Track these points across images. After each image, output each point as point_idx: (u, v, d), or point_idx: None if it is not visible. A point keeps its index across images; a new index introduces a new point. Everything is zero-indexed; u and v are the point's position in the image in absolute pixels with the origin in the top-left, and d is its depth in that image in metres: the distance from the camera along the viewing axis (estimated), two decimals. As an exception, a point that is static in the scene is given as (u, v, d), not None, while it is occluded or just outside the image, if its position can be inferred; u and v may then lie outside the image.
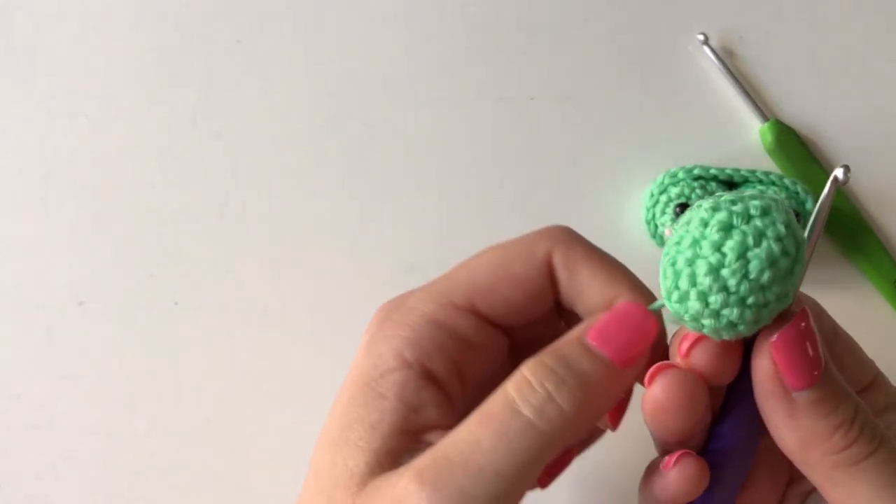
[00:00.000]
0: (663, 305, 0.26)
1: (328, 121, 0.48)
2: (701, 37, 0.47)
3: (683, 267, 0.24)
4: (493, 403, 0.25)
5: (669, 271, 0.25)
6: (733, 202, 0.24)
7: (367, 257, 0.46)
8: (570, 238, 0.29)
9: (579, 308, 0.29)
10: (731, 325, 0.24)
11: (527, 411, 0.24)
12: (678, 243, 0.25)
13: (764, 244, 0.23)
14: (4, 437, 0.43)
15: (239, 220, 0.46)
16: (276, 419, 0.44)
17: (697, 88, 0.49)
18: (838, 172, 0.26)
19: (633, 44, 0.49)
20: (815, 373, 0.25)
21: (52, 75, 0.48)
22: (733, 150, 0.48)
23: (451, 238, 0.46)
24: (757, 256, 0.23)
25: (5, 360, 0.44)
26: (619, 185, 0.47)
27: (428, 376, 0.27)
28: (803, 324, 0.25)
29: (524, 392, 0.25)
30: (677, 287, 0.24)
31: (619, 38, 0.49)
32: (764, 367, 0.25)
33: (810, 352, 0.25)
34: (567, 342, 0.26)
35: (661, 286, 0.26)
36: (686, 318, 0.25)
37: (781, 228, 0.23)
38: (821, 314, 0.28)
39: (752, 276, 0.23)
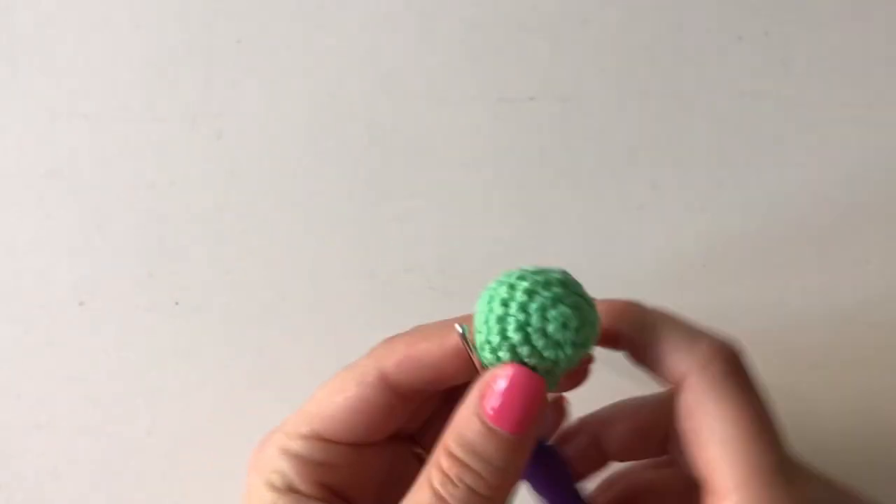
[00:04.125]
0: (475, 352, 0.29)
1: (328, 121, 0.48)
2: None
3: (494, 324, 0.28)
4: (419, 495, 0.27)
5: (483, 328, 0.29)
6: (536, 273, 0.30)
7: (367, 257, 0.46)
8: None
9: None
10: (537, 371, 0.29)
11: (449, 500, 0.27)
12: (490, 302, 0.29)
13: (560, 307, 0.29)
14: (4, 437, 0.43)
15: (239, 219, 0.46)
16: (276, 419, 0.43)
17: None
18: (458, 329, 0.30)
19: (633, 44, 0.49)
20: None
21: (52, 75, 0.48)
22: (733, 150, 0.48)
23: (450, 238, 0.46)
24: (554, 318, 0.28)
25: (5, 360, 0.44)
26: (618, 185, 0.47)
27: (303, 497, 0.30)
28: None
29: (448, 489, 0.27)
30: (489, 341, 0.29)
31: (619, 38, 0.49)
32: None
33: None
34: (466, 423, 0.27)
35: (475, 338, 0.29)
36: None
37: (574, 296, 0.29)
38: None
39: (549, 332, 0.28)
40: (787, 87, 0.49)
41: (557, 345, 0.28)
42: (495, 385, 0.27)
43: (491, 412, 0.27)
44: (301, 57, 0.49)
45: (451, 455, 0.27)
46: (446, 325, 0.30)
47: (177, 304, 0.45)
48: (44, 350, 0.44)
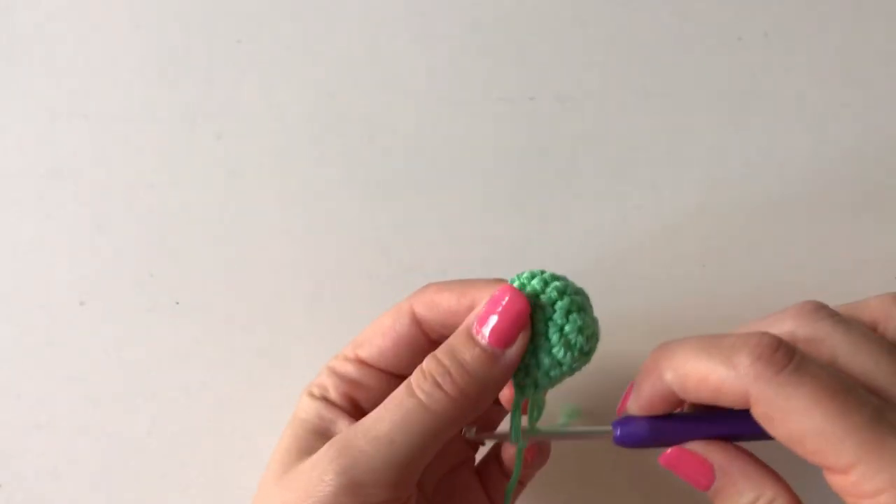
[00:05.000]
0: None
1: (328, 121, 0.48)
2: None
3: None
4: (397, 390, 0.32)
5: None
6: (558, 277, 0.34)
7: (367, 257, 0.46)
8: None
9: None
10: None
11: (419, 394, 0.31)
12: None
13: (582, 313, 0.33)
14: (4, 437, 0.43)
15: (239, 220, 0.46)
16: (276, 419, 0.44)
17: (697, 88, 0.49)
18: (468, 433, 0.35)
19: (633, 44, 0.49)
20: (702, 482, 0.31)
21: (52, 75, 0.48)
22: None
23: (450, 238, 0.46)
24: (573, 321, 0.33)
25: (5, 360, 0.44)
26: (618, 185, 0.47)
27: (332, 404, 0.36)
28: (673, 460, 0.32)
29: (419, 379, 0.31)
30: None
31: (619, 38, 0.49)
32: None
33: (690, 473, 0.31)
34: (456, 334, 0.32)
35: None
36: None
37: (590, 307, 0.34)
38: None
39: (566, 331, 0.33)
40: (787, 87, 0.49)
41: (569, 346, 0.32)
42: (488, 301, 0.32)
43: (477, 322, 0.32)
44: (301, 57, 0.49)
45: (434, 356, 0.32)
46: (474, 282, 0.34)
47: (177, 304, 0.45)
48: (44, 350, 0.44)
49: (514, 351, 0.31)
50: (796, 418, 0.27)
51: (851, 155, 0.48)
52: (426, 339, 0.35)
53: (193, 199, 0.47)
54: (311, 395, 0.36)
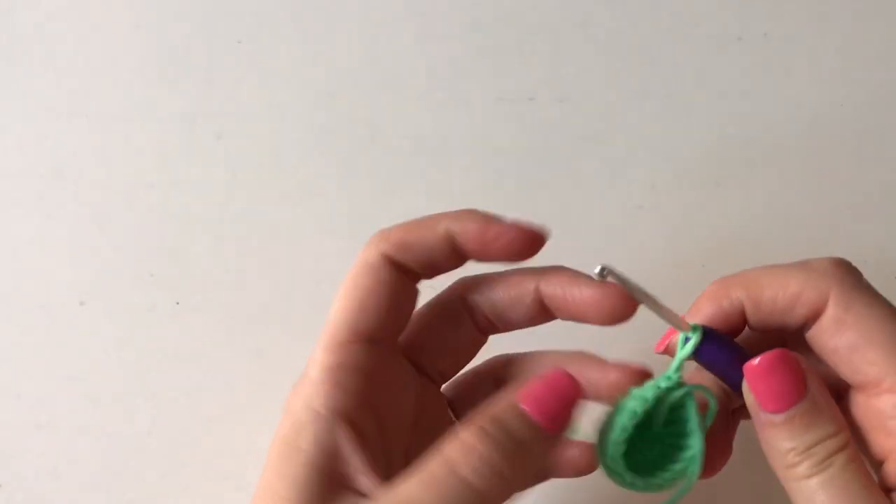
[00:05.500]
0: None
1: (328, 121, 0.48)
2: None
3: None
4: (434, 464, 0.27)
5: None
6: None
7: (368, 257, 0.46)
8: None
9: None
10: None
11: (465, 472, 0.26)
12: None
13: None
14: (4, 437, 0.43)
15: (239, 220, 0.46)
16: (276, 419, 0.43)
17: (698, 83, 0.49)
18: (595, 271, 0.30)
19: (633, 44, 0.49)
20: (780, 404, 0.28)
21: (52, 75, 0.48)
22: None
23: (451, 238, 0.46)
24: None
25: (5, 360, 0.44)
26: (618, 185, 0.47)
27: (342, 421, 0.29)
28: (775, 362, 0.28)
29: (463, 453, 0.26)
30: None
31: (619, 38, 0.49)
32: (744, 387, 0.29)
33: (779, 385, 0.28)
34: (503, 408, 0.28)
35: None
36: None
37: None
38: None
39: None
40: (787, 87, 0.49)
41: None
42: (538, 381, 0.28)
43: (528, 400, 0.28)
44: (301, 57, 0.49)
45: (481, 430, 0.27)
46: (435, 217, 0.32)
47: (177, 304, 0.45)
48: (44, 350, 0.44)
49: (566, 431, 0.29)
50: (870, 324, 0.28)
51: (851, 154, 0.48)
52: (402, 280, 0.31)
53: (193, 199, 0.47)
54: (312, 409, 0.29)
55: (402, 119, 0.48)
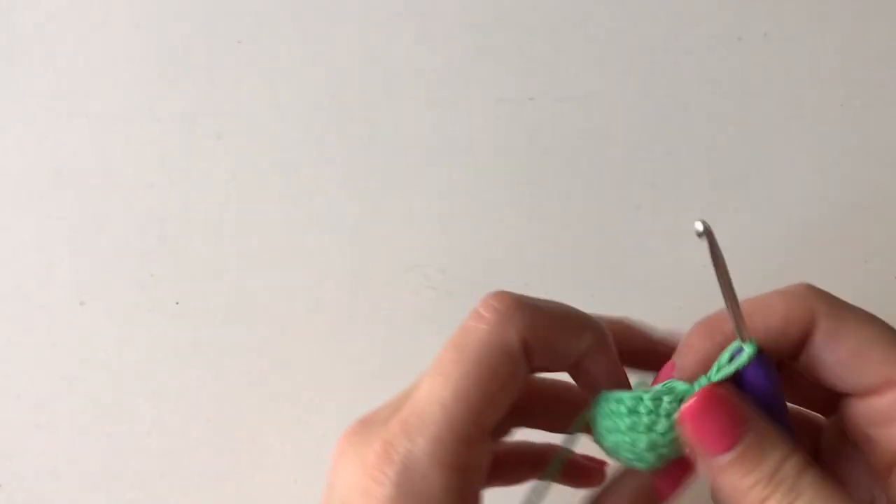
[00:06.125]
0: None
1: (328, 121, 0.48)
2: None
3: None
4: None
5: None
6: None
7: (367, 257, 0.46)
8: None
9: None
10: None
11: None
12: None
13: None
14: (4, 437, 0.43)
15: (239, 219, 0.46)
16: (276, 419, 0.44)
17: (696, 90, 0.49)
18: (699, 228, 0.28)
19: (633, 44, 0.49)
20: (725, 442, 0.27)
21: (52, 75, 0.48)
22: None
23: (450, 238, 0.46)
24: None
25: (5, 360, 0.44)
26: (618, 185, 0.47)
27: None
28: (703, 402, 0.27)
29: None
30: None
31: (619, 38, 0.49)
32: (687, 438, 0.28)
33: (721, 422, 0.27)
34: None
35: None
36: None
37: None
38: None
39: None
40: (787, 87, 0.49)
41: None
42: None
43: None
44: (301, 57, 0.49)
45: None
46: (582, 314, 0.30)
47: (177, 304, 0.45)
48: (44, 350, 0.44)
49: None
50: (868, 329, 0.28)
51: (852, 155, 0.48)
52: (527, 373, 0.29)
53: (193, 199, 0.47)
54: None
55: (401, 119, 0.48)
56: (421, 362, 0.44)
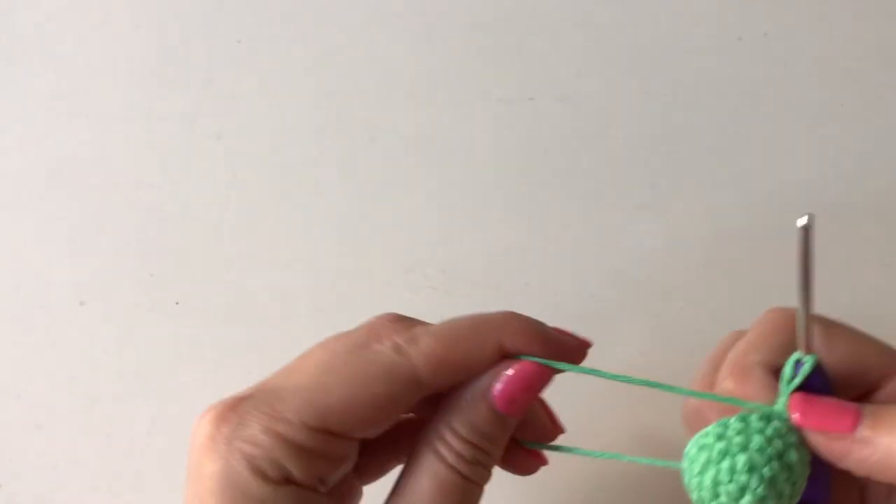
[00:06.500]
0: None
1: (328, 121, 0.48)
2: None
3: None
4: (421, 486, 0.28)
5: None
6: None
7: (367, 257, 0.46)
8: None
9: None
10: None
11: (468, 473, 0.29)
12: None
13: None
14: (4, 437, 0.43)
15: (239, 219, 0.46)
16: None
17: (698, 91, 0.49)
18: (802, 221, 0.29)
19: (633, 44, 0.49)
20: (848, 418, 0.27)
21: (52, 75, 0.48)
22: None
23: (450, 238, 0.46)
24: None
25: (5, 360, 0.44)
26: (618, 185, 0.47)
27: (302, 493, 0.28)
28: (805, 401, 0.28)
29: (463, 466, 0.29)
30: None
31: (619, 38, 0.49)
32: (815, 438, 0.27)
33: (830, 409, 0.27)
34: (479, 415, 0.29)
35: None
36: None
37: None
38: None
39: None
40: (787, 86, 0.49)
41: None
42: (503, 374, 0.29)
43: (499, 398, 0.29)
44: (301, 57, 0.49)
45: (460, 437, 0.29)
46: (481, 322, 0.30)
47: (177, 304, 0.45)
48: (44, 350, 0.44)
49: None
50: (852, 331, 0.31)
51: (852, 154, 0.48)
52: (421, 397, 0.29)
53: (193, 199, 0.47)
54: (263, 475, 0.27)
55: (402, 119, 0.48)
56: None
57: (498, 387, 0.29)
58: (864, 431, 0.26)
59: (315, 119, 0.48)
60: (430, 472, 0.28)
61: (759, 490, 0.27)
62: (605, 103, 0.48)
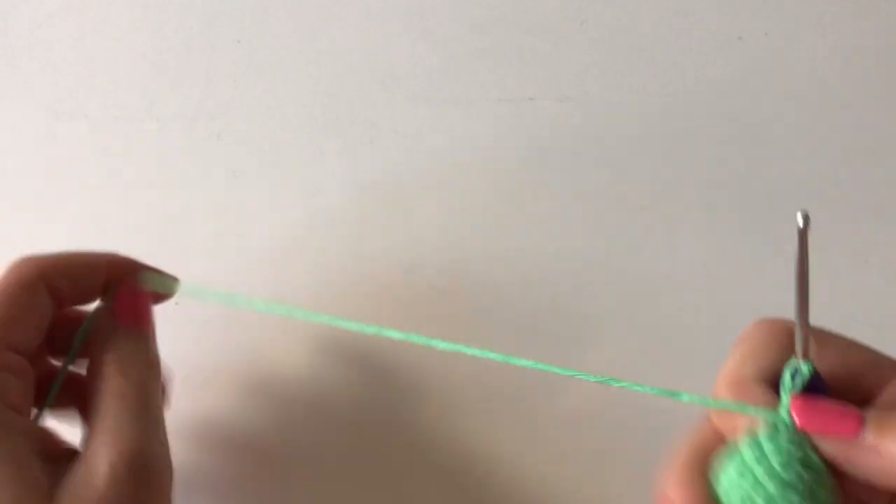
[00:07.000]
0: None
1: (328, 120, 0.48)
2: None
3: None
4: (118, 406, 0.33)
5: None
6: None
7: (367, 257, 0.46)
8: None
9: None
10: None
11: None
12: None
13: None
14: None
15: (239, 219, 0.46)
16: (275, 418, 0.44)
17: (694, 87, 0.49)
18: (799, 221, 0.29)
19: (633, 44, 0.49)
20: (851, 421, 0.27)
21: (52, 75, 0.48)
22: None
23: (450, 238, 0.46)
24: None
25: (5, 359, 0.44)
26: (618, 185, 0.47)
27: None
28: (806, 404, 0.28)
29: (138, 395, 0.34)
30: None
31: (619, 38, 0.49)
32: (822, 442, 0.27)
33: (832, 413, 0.27)
34: (117, 341, 0.35)
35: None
36: None
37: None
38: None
39: None
40: (787, 87, 0.49)
41: None
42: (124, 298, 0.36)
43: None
44: (301, 57, 0.49)
45: (115, 365, 0.33)
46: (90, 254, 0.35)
47: (176, 304, 0.45)
48: (44, 350, 0.44)
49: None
50: (843, 339, 0.31)
51: (852, 154, 0.48)
52: (54, 303, 0.34)
53: (193, 199, 0.47)
54: None
55: (402, 119, 0.48)
56: (421, 361, 0.44)
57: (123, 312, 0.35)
58: (869, 438, 0.26)
59: (315, 119, 0.48)
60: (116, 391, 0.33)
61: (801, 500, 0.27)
62: (605, 103, 0.48)
